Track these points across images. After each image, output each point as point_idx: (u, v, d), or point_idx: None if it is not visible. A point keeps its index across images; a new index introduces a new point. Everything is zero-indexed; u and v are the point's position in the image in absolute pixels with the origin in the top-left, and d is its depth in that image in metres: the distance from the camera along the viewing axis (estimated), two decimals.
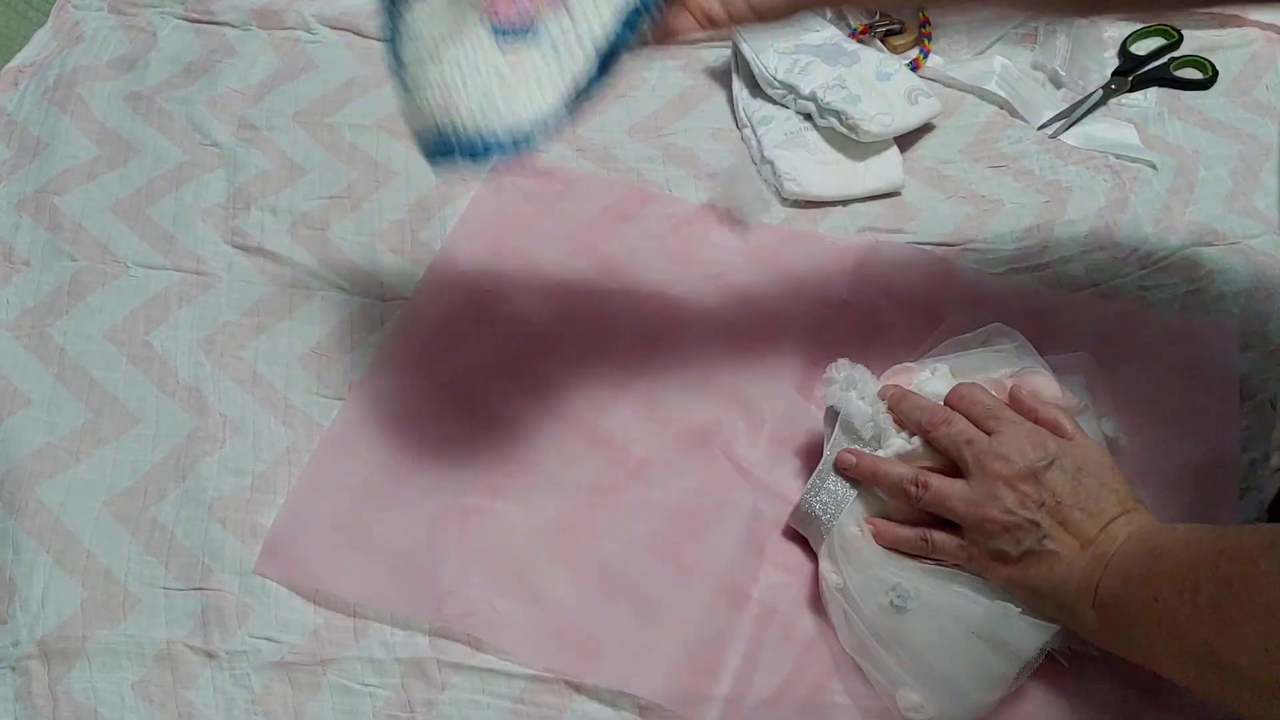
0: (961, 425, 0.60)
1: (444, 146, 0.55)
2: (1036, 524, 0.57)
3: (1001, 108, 0.90)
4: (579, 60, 0.56)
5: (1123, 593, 0.53)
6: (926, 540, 0.60)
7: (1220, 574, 0.48)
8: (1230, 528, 0.51)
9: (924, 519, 0.61)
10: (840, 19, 0.95)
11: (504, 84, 0.55)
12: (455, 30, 0.55)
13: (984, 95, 0.90)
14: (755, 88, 0.90)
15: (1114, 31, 0.94)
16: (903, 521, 0.61)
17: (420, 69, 0.55)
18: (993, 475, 0.58)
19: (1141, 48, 0.93)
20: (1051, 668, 0.59)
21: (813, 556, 0.65)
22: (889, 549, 0.61)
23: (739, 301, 0.78)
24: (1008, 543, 0.57)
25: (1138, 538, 0.54)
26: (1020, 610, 0.58)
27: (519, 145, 0.54)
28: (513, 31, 0.56)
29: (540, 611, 0.64)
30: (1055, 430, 0.60)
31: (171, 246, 0.82)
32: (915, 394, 0.64)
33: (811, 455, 0.70)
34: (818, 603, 0.63)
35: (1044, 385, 0.63)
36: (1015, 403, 0.62)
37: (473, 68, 0.55)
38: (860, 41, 0.92)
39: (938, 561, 0.60)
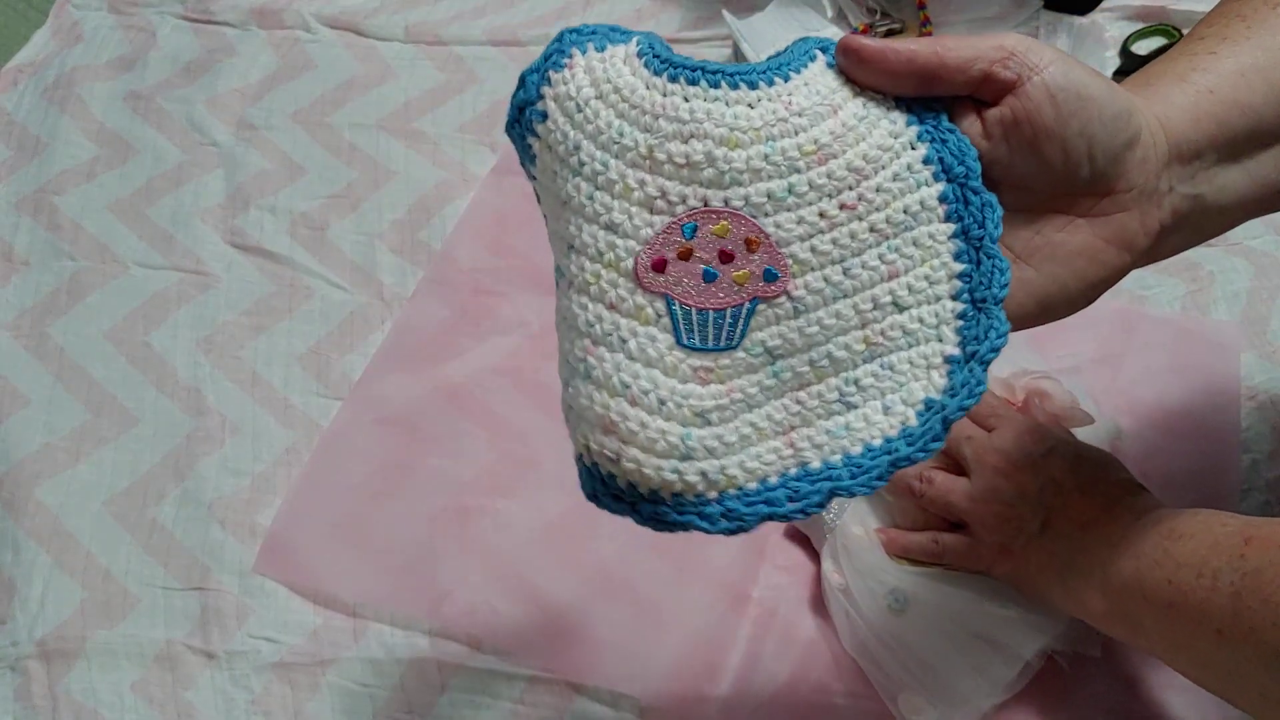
0: (962, 423, 0.60)
1: (604, 487, 0.38)
2: (1036, 512, 0.56)
3: None
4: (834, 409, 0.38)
5: (1134, 574, 0.51)
6: (937, 543, 0.60)
7: (1244, 562, 0.45)
8: (1259, 518, 0.48)
9: (930, 523, 0.61)
10: (840, 18, 0.95)
11: (696, 418, 0.37)
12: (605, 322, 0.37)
13: None
14: None
15: (1115, 31, 0.94)
16: (910, 527, 0.61)
17: (570, 362, 0.39)
18: (991, 468, 0.58)
19: (1142, 47, 0.93)
20: (1052, 669, 0.59)
21: (813, 557, 0.65)
22: (899, 557, 0.61)
23: None
24: (1010, 534, 0.57)
25: (1152, 519, 0.52)
26: (1021, 612, 0.58)
27: (731, 520, 0.37)
28: (703, 329, 0.37)
29: (540, 611, 0.64)
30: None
31: (171, 246, 0.82)
32: None
33: None
34: (818, 604, 0.63)
35: (1054, 391, 0.63)
36: (1025, 411, 0.62)
37: (639, 381, 0.37)
38: None
39: (947, 565, 0.60)
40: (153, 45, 0.96)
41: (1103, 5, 0.96)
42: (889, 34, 0.95)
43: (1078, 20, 0.95)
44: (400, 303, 0.78)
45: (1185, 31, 0.92)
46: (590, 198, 0.38)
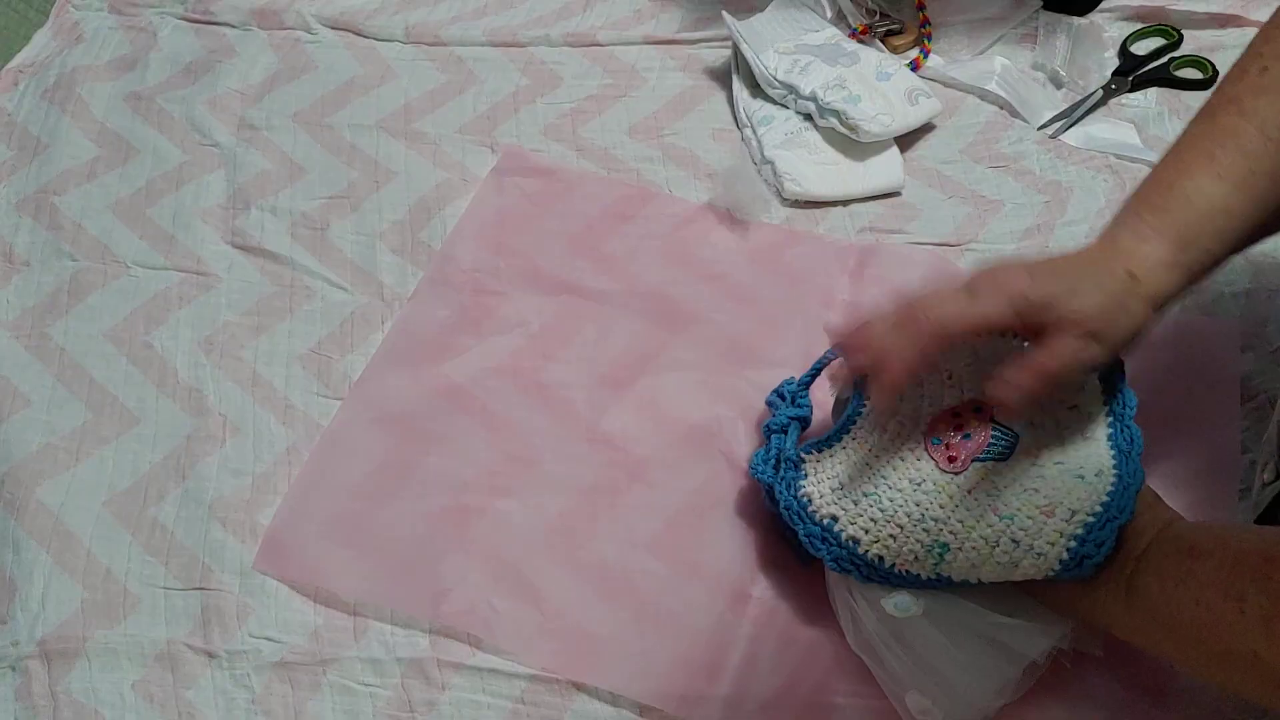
0: None
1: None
2: None
3: (1001, 108, 0.90)
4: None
5: (1159, 591, 0.52)
6: None
7: (1270, 585, 0.46)
8: (1271, 530, 0.49)
9: None
10: (840, 19, 0.95)
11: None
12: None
13: (984, 95, 0.90)
14: (755, 88, 0.90)
15: (1114, 32, 0.94)
16: None
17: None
18: None
19: (1141, 48, 0.93)
20: (1054, 668, 0.59)
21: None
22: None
23: (739, 301, 0.78)
24: None
25: (1170, 535, 0.53)
26: (1027, 615, 0.57)
27: None
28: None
29: (539, 611, 0.64)
30: None
31: (171, 247, 0.82)
32: None
33: None
34: (819, 603, 0.63)
35: None
36: None
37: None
38: (860, 41, 0.92)
39: None
40: (153, 46, 0.96)
41: (1102, 5, 0.96)
42: (888, 34, 0.95)
43: (1077, 20, 0.95)
44: (400, 303, 0.78)
45: (1184, 33, 0.93)
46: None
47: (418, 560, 0.66)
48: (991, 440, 0.58)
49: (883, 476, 0.59)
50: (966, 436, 0.58)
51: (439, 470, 0.69)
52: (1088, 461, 0.57)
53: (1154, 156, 0.84)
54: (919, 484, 0.58)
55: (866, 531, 0.58)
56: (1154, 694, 0.59)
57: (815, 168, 0.84)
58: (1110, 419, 0.59)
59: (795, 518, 0.60)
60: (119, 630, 0.64)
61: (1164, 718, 0.59)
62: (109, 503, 0.69)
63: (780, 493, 0.61)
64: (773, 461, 0.63)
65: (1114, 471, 0.56)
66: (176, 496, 0.69)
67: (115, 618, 0.65)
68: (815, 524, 0.59)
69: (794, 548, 0.63)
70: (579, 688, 0.61)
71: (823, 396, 0.68)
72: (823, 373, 0.67)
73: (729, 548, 0.66)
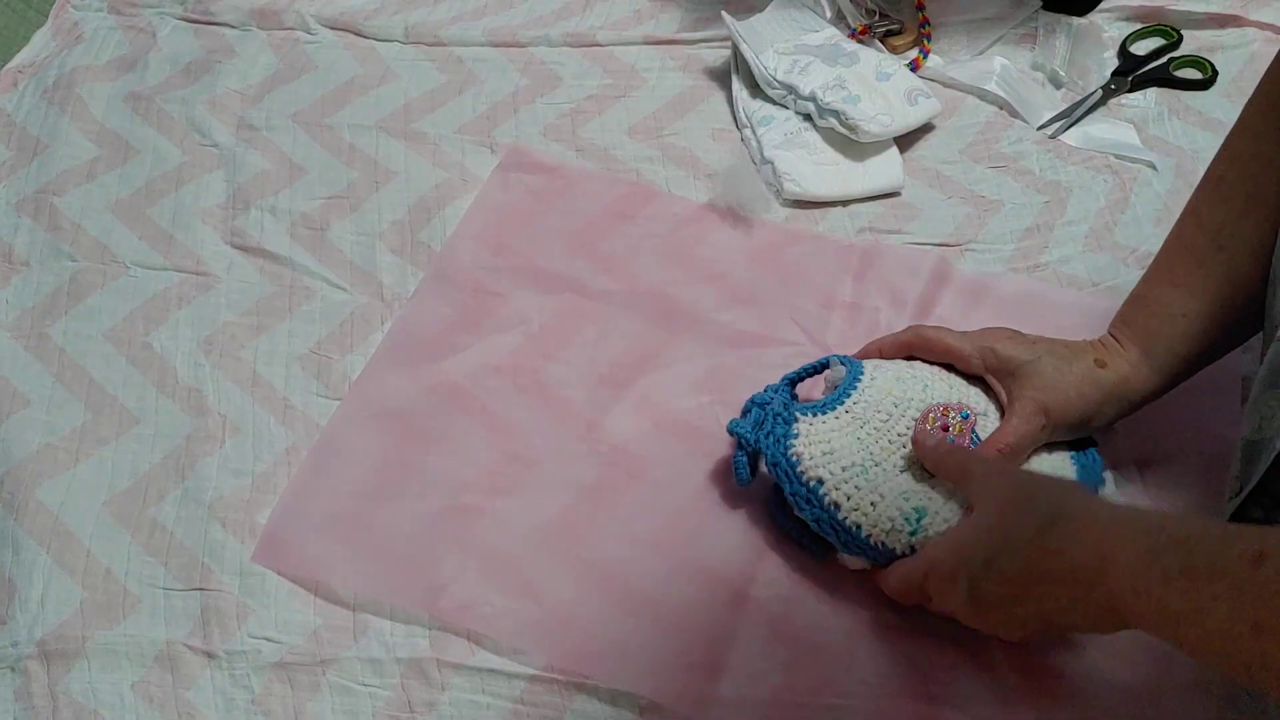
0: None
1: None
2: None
3: (1001, 108, 0.90)
4: None
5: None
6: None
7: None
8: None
9: None
10: (840, 19, 0.95)
11: None
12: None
13: (984, 95, 0.90)
14: (755, 88, 0.90)
15: (1114, 32, 0.94)
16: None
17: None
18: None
19: (1141, 48, 0.93)
20: (1052, 670, 0.59)
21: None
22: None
23: (739, 301, 0.78)
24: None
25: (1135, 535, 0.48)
26: None
27: None
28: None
29: (539, 610, 0.64)
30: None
31: (171, 247, 0.82)
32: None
33: None
34: (819, 603, 0.63)
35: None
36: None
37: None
38: (860, 42, 0.92)
39: None
40: (153, 46, 0.96)
41: (1101, 5, 0.96)
42: (888, 34, 0.95)
43: (1076, 21, 0.95)
44: (400, 303, 0.78)
45: (1184, 33, 0.93)
46: None
47: (416, 558, 0.66)
48: (972, 443, 0.63)
49: (871, 454, 0.62)
50: (950, 439, 0.63)
51: (439, 469, 0.69)
52: (1056, 462, 0.65)
53: (1153, 156, 0.85)
54: (903, 467, 0.62)
55: (849, 498, 0.61)
56: (1153, 694, 0.59)
57: (815, 168, 0.84)
58: (1074, 456, 0.66)
59: (783, 475, 0.62)
60: (119, 630, 0.64)
61: (1163, 718, 0.59)
62: (109, 503, 0.69)
63: (768, 447, 0.63)
64: (753, 423, 0.65)
65: (1074, 465, 0.65)
66: (176, 496, 0.69)
67: (115, 618, 0.65)
68: (801, 484, 0.62)
69: (801, 542, 0.64)
70: (579, 688, 0.61)
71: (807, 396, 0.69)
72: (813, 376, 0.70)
73: (728, 546, 0.66)
